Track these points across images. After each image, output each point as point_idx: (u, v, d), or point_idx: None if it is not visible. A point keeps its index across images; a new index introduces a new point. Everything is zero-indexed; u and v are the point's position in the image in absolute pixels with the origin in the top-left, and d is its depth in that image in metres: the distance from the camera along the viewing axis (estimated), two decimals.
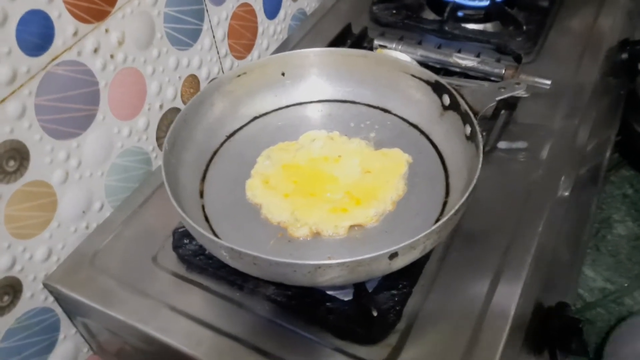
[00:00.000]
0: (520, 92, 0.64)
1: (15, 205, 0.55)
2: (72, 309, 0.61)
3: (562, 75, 0.75)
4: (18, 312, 0.58)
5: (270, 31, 0.85)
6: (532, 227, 0.59)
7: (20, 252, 0.57)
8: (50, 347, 0.63)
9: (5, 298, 0.57)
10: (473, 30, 0.82)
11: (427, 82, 0.63)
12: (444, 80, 0.61)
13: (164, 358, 0.58)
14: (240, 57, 0.80)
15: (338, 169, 0.60)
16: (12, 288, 0.57)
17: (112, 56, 0.60)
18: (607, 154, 1.03)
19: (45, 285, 0.60)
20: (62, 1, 0.53)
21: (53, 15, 0.53)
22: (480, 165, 0.51)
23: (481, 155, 0.52)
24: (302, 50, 0.67)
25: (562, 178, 0.64)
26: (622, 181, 1.32)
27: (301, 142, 0.64)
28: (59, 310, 0.63)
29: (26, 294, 0.59)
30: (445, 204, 0.56)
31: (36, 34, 0.52)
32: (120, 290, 0.58)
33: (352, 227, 0.55)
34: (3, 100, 0.51)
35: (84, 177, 0.61)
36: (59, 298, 0.60)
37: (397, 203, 0.58)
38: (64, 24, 0.54)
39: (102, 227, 0.64)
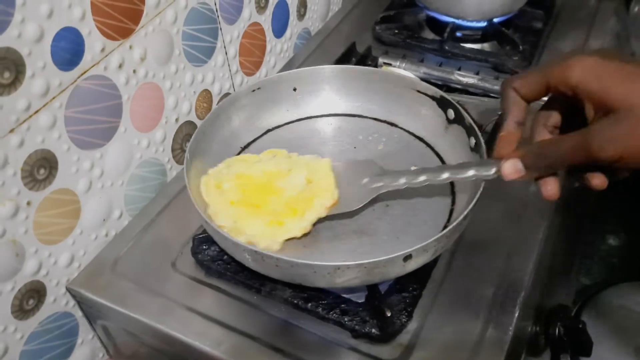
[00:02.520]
0: None
1: (44, 212, 0.57)
2: (93, 312, 0.64)
3: None
4: (41, 316, 0.61)
5: (278, 49, 0.89)
6: (533, 235, 0.63)
7: (46, 257, 0.59)
8: (68, 351, 0.66)
9: (31, 302, 0.59)
10: (471, 50, 0.87)
11: (432, 97, 0.66)
12: (448, 95, 0.65)
13: (181, 358, 0.60)
14: (249, 74, 0.83)
15: (286, 182, 0.61)
16: (37, 292, 0.59)
17: (134, 71, 0.63)
18: None
19: (69, 290, 0.62)
20: (93, 19, 0.56)
21: (84, 32, 0.56)
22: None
23: None
24: (314, 67, 0.71)
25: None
26: (615, 194, 1.36)
27: (261, 157, 0.65)
28: (78, 314, 0.65)
29: (49, 298, 0.61)
30: (451, 211, 0.60)
31: (68, 49, 0.55)
32: (140, 293, 0.60)
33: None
34: (37, 112, 0.53)
35: (105, 186, 0.64)
36: (81, 302, 0.63)
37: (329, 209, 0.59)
38: (93, 41, 0.57)
39: (122, 235, 0.67)
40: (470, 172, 0.52)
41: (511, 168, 0.46)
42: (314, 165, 0.62)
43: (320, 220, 0.59)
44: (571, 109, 0.45)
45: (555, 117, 0.47)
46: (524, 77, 0.46)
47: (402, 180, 0.57)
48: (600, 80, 0.40)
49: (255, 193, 0.60)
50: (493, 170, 0.49)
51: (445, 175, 0.54)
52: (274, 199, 0.59)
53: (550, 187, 0.46)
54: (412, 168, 0.59)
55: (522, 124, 0.48)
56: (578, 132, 0.41)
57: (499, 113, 0.63)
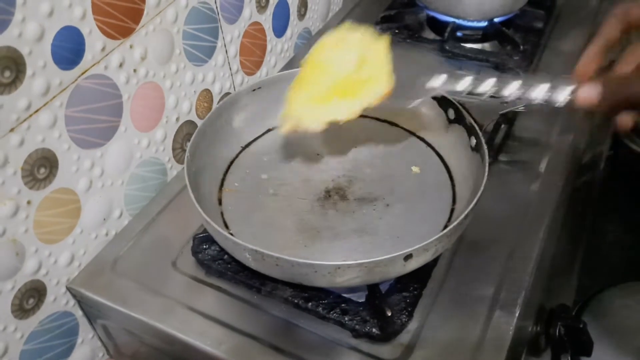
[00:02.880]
0: (519, 107, 0.68)
1: (44, 211, 0.57)
2: (93, 312, 0.64)
3: None
4: (41, 315, 0.61)
5: (278, 49, 0.89)
6: (534, 234, 0.62)
7: (46, 256, 0.59)
8: (68, 350, 0.65)
9: (31, 301, 0.59)
10: (472, 50, 0.86)
11: (433, 97, 0.66)
12: (449, 95, 0.65)
13: (180, 358, 0.60)
14: (250, 74, 0.83)
15: (336, 60, 0.55)
16: (37, 291, 0.59)
17: (135, 71, 0.63)
18: (600, 168, 1.07)
19: (69, 289, 0.62)
20: (93, 18, 0.56)
21: (85, 31, 0.56)
22: (487, 173, 0.54)
23: (487, 163, 0.55)
24: None
25: (560, 189, 0.68)
26: (614, 193, 1.36)
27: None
28: (78, 314, 0.65)
29: (50, 297, 0.61)
30: (452, 211, 0.60)
31: (69, 49, 0.55)
32: (141, 292, 0.60)
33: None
34: (37, 111, 0.53)
35: (105, 185, 0.64)
36: (82, 301, 0.63)
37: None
38: (94, 40, 0.57)
39: (122, 234, 0.67)
40: (541, 91, 0.46)
41: (589, 92, 0.43)
42: (369, 42, 0.55)
43: (320, 221, 0.59)
44: None
45: None
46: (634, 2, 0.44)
47: (464, 86, 0.51)
48: None
49: (311, 72, 0.56)
50: (568, 89, 0.45)
51: (514, 86, 0.48)
52: (324, 78, 0.54)
53: (625, 118, 0.44)
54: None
55: (611, 47, 0.46)
56: None
57: (500, 113, 0.63)
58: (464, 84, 0.51)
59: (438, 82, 0.52)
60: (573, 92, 0.45)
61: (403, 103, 0.53)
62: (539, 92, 0.47)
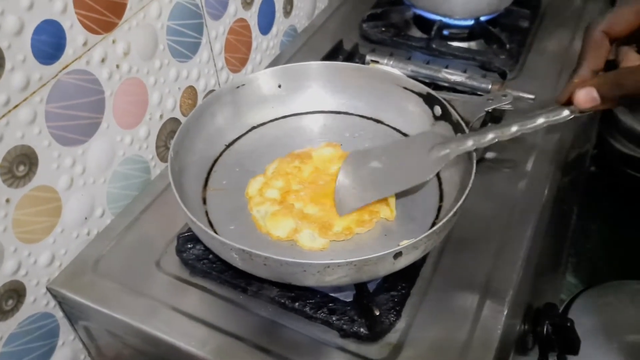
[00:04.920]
0: (506, 105, 0.67)
1: (23, 210, 0.56)
2: (74, 313, 0.62)
3: (542, 91, 0.79)
4: (20, 317, 0.59)
5: (264, 46, 0.88)
6: (521, 233, 0.62)
7: (25, 256, 0.58)
8: (49, 353, 0.64)
9: (10, 302, 0.57)
10: (459, 48, 0.86)
11: (419, 94, 0.66)
12: (435, 92, 0.64)
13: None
14: (235, 71, 0.82)
15: None
16: (16, 292, 0.58)
17: (117, 66, 0.62)
18: (586, 167, 1.08)
19: (49, 290, 0.60)
20: (75, 12, 0.55)
21: (66, 25, 0.54)
22: (474, 169, 0.54)
23: (474, 159, 0.55)
24: (298, 63, 0.70)
25: (546, 188, 0.68)
26: (599, 193, 1.38)
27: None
28: (59, 315, 0.64)
29: (29, 298, 0.59)
30: (439, 208, 0.59)
31: (49, 43, 0.53)
32: (124, 293, 0.59)
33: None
34: (16, 107, 0.52)
35: (87, 183, 0.62)
36: (63, 302, 0.61)
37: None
38: (75, 34, 0.56)
39: (104, 234, 0.65)
40: (541, 120, 0.50)
41: (586, 96, 0.45)
42: None
43: None
44: None
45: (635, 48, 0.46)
46: (616, 12, 0.44)
47: (470, 143, 0.55)
48: None
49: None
50: (565, 112, 0.48)
51: (515, 129, 0.52)
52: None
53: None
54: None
55: (597, 72, 0.46)
56: None
57: (486, 110, 0.63)
58: (470, 142, 0.55)
59: (447, 149, 0.57)
60: (570, 112, 0.47)
61: (425, 177, 0.59)
62: (539, 124, 0.50)
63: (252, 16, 0.82)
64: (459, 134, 0.58)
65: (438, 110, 0.64)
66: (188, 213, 0.52)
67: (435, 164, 0.58)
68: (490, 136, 0.54)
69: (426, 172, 0.58)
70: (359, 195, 0.59)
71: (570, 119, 0.49)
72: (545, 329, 0.62)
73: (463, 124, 0.59)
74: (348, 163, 0.61)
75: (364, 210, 0.58)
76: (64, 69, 0.56)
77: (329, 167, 0.63)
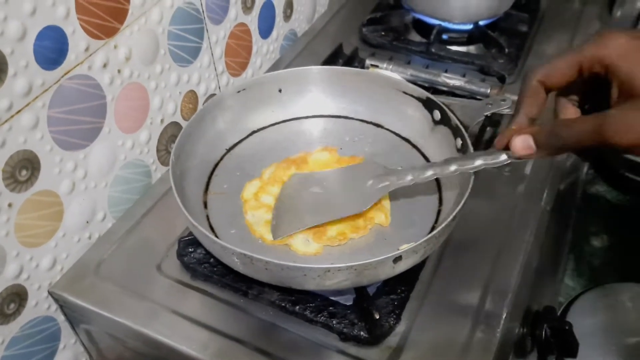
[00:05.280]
0: (505, 109, 0.68)
1: (25, 214, 0.56)
2: (76, 316, 0.63)
3: None
4: (22, 321, 0.59)
5: (264, 50, 0.88)
6: (520, 237, 0.63)
7: (27, 260, 0.58)
8: (50, 356, 0.64)
9: (12, 306, 0.58)
10: (458, 52, 0.87)
11: (419, 99, 0.66)
12: (434, 97, 0.65)
13: None
14: (235, 75, 0.83)
15: None
16: (18, 296, 0.58)
17: (119, 71, 0.62)
18: (584, 170, 1.08)
19: (51, 293, 0.61)
20: (77, 18, 0.55)
21: (68, 31, 0.55)
22: (473, 175, 0.54)
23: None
24: (299, 68, 0.70)
25: (545, 191, 0.68)
26: (597, 196, 1.38)
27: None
28: (60, 319, 0.64)
29: (31, 302, 0.60)
30: (439, 212, 0.60)
31: (52, 48, 0.54)
32: (125, 296, 0.59)
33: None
34: (19, 112, 0.52)
35: (89, 187, 0.63)
36: (64, 306, 0.62)
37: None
38: (77, 40, 0.56)
39: (106, 237, 0.66)
40: (479, 162, 0.51)
41: (522, 144, 0.45)
42: None
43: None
44: (592, 92, 0.44)
45: (575, 98, 0.47)
46: (553, 64, 0.45)
47: (409, 177, 0.57)
48: (628, 61, 0.40)
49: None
50: (503, 157, 0.49)
51: (453, 168, 0.53)
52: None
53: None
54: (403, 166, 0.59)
55: (534, 120, 0.47)
56: (595, 115, 0.41)
57: (485, 114, 0.63)
58: (409, 176, 0.57)
59: (387, 181, 0.58)
60: (508, 157, 0.48)
61: (361, 207, 0.59)
62: (477, 165, 0.52)
63: (252, 20, 0.83)
64: (398, 169, 0.59)
65: (437, 114, 0.64)
66: (189, 217, 0.52)
67: (373, 195, 0.58)
68: (429, 173, 0.55)
69: (365, 202, 0.58)
70: (295, 219, 0.59)
71: (507, 163, 0.49)
72: (544, 332, 0.63)
73: (462, 129, 0.60)
74: (288, 186, 0.62)
75: (358, 216, 0.59)
76: (66, 74, 0.56)
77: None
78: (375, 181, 0.59)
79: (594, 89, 0.45)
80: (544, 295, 0.88)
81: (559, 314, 1.00)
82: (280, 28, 0.91)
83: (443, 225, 0.50)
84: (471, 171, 0.53)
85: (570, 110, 0.47)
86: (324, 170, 0.64)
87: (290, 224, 0.58)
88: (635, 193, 1.35)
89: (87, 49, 0.58)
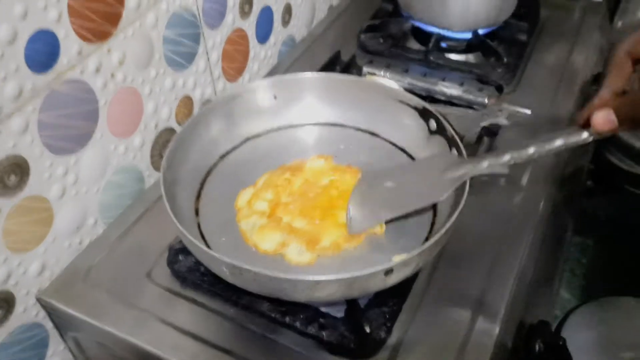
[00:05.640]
0: (501, 120, 0.67)
1: (14, 219, 0.55)
2: (64, 324, 0.62)
3: (539, 105, 0.79)
4: (10, 327, 0.59)
5: (261, 55, 0.87)
6: (515, 249, 0.62)
7: (15, 266, 0.57)
8: None
9: None
10: (456, 61, 0.86)
11: (415, 108, 0.65)
12: (430, 106, 0.64)
13: None
14: (232, 80, 0.82)
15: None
16: (6, 302, 0.57)
17: (112, 75, 0.62)
18: (582, 181, 1.07)
19: (39, 300, 0.60)
20: (69, 21, 0.55)
21: (60, 34, 0.54)
22: (467, 186, 0.53)
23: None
24: (294, 74, 0.70)
25: (542, 203, 0.68)
26: (595, 208, 1.37)
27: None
28: (49, 326, 0.63)
29: (19, 308, 0.59)
30: (433, 224, 0.59)
31: (43, 52, 0.53)
32: (114, 304, 0.58)
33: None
34: (9, 116, 0.52)
35: (80, 193, 0.62)
36: (52, 313, 0.61)
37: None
38: (70, 44, 0.55)
39: (96, 243, 0.65)
40: (559, 142, 0.49)
41: (604, 118, 0.44)
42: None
43: None
44: None
45: None
46: (638, 34, 0.44)
47: (485, 164, 0.55)
48: None
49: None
50: (584, 135, 0.47)
51: (532, 150, 0.51)
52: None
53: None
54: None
55: (620, 94, 0.46)
56: None
57: (482, 125, 0.63)
58: (485, 163, 0.54)
59: (462, 169, 0.56)
60: (589, 134, 0.46)
61: (439, 197, 0.57)
62: (557, 146, 0.49)
63: (249, 26, 0.82)
64: (475, 157, 0.58)
65: (433, 124, 0.63)
66: (179, 225, 0.51)
67: (450, 184, 0.57)
68: (506, 157, 0.53)
69: (441, 191, 0.57)
70: (371, 214, 0.59)
71: (589, 142, 0.48)
72: (537, 347, 0.62)
73: (457, 139, 0.59)
74: (361, 182, 0.61)
75: None
76: (57, 77, 0.55)
77: (320, 179, 0.63)
78: (451, 170, 0.57)
79: None
80: (539, 308, 0.88)
81: (554, 328, 0.99)
82: (279, 34, 0.90)
83: (436, 237, 0.49)
84: (552, 152, 0.50)
85: None
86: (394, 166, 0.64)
87: (367, 219, 0.58)
88: (635, 206, 1.34)
89: (79, 53, 0.57)
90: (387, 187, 0.60)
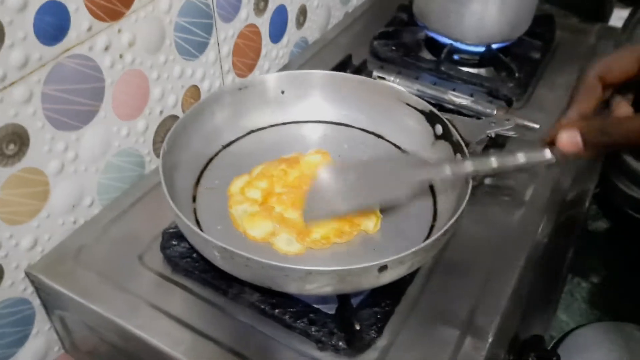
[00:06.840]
0: (509, 132, 0.66)
1: (9, 190, 0.55)
2: (51, 301, 0.61)
3: (548, 124, 0.77)
4: None
5: (273, 54, 0.87)
6: (513, 262, 0.61)
7: (6, 237, 0.56)
8: (21, 340, 0.62)
9: None
10: (467, 73, 0.86)
11: (422, 112, 0.65)
12: (437, 111, 0.63)
13: (139, 357, 0.57)
14: (242, 75, 0.82)
15: None
16: None
17: (121, 56, 0.61)
18: (586, 205, 1.06)
19: (27, 274, 0.59)
20: None
21: (71, 8, 0.54)
22: (469, 191, 0.53)
23: (470, 181, 0.54)
24: (303, 71, 0.70)
25: (543, 221, 0.67)
26: (598, 232, 1.36)
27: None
28: (35, 303, 0.62)
29: (6, 281, 0.58)
30: (432, 227, 0.58)
31: (52, 24, 0.53)
32: (103, 285, 0.58)
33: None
34: (12, 84, 0.51)
35: (78, 171, 0.62)
36: (40, 288, 0.60)
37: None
38: (80, 19, 0.55)
39: (90, 223, 0.64)
40: (521, 157, 0.49)
41: (569, 139, 0.43)
42: None
43: None
44: None
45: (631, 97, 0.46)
46: (614, 57, 0.43)
47: (448, 171, 0.55)
48: None
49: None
50: (547, 154, 0.47)
51: (494, 162, 0.51)
52: None
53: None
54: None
55: (586, 118, 0.45)
56: None
57: (488, 133, 0.62)
58: (447, 170, 0.55)
59: (426, 174, 0.57)
60: (553, 154, 0.46)
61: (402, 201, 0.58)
62: (519, 163, 0.49)
63: (263, 23, 0.82)
64: (439, 161, 0.58)
65: (439, 129, 0.63)
66: (173, 206, 0.51)
67: (412, 185, 0.57)
68: (469, 167, 0.53)
69: (403, 190, 0.57)
70: (327, 205, 0.58)
71: (551, 164, 0.48)
72: None
73: (463, 144, 0.58)
74: (325, 172, 0.60)
75: (345, 221, 0.57)
76: (65, 51, 0.55)
77: (315, 173, 0.62)
78: (415, 172, 0.57)
79: None
80: (535, 326, 0.86)
81: (549, 347, 0.98)
82: (292, 35, 0.90)
83: (433, 238, 0.49)
84: (515, 167, 0.51)
85: (623, 108, 0.45)
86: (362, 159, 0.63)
87: (324, 210, 0.57)
88: (637, 232, 1.32)
89: (89, 29, 0.57)
90: (349, 180, 0.59)
